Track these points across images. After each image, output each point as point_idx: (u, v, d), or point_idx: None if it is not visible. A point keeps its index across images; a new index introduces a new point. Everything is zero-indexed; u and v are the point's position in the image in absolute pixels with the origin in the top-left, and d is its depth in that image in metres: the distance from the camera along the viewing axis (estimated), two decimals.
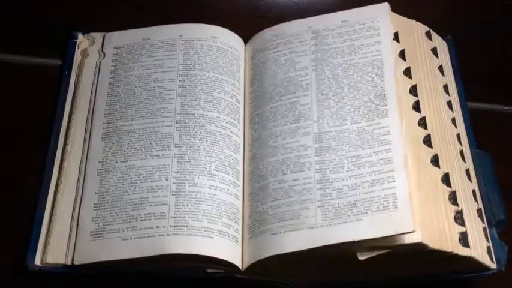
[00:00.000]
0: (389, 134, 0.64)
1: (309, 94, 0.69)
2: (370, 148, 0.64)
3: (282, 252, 0.61)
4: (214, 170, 0.66)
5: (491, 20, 0.85)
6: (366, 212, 0.60)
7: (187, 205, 0.64)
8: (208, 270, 0.65)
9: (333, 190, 0.63)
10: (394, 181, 0.61)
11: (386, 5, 0.72)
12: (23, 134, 0.72)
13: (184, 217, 0.63)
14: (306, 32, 0.73)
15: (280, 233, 0.62)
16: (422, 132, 0.66)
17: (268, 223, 0.63)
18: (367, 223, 0.60)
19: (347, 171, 0.63)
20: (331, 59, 0.70)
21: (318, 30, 0.73)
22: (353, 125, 0.66)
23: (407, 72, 0.69)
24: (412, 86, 0.68)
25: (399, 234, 0.58)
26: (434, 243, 0.59)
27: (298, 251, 0.61)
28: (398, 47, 0.70)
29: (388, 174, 0.62)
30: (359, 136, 0.65)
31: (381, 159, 0.63)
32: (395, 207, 0.60)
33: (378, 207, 0.60)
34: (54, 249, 0.64)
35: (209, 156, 0.67)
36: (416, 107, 0.67)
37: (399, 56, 0.69)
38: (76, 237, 0.64)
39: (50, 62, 0.76)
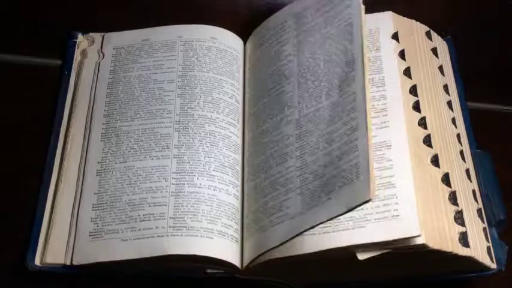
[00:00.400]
0: (355, 101, 0.60)
1: (292, 81, 0.68)
2: (340, 120, 0.61)
3: (267, 248, 0.61)
4: (214, 170, 0.66)
5: (491, 20, 0.85)
6: (334, 189, 0.58)
7: (186, 206, 0.64)
8: (208, 271, 0.65)
9: (310, 174, 0.61)
10: (357, 149, 0.57)
11: None
12: (23, 134, 0.72)
13: (184, 218, 0.63)
14: (289, 19, 0.72)
15: (268, 228, 0.62)
16: (422, 132, 0.66)
17: (260, 221, 0.63)
18: (335, 200, 0.57)
19: (321, 150, 0.61)
20: (310, 38, 0.69)
21: (299, 13, 0.71)
22: (327, 101, 0.63)
23: (407, 72, 0.68)
24: (412, 86, 0.68)
25: (359, 205, 0.55)
26: (434, 243, 0.59)
27: (282, 246, 0.60)
28: (398, 47, 0.70)
29: (352, 144, 0.58)
30: (332, 111, 0.62)
31: (348, 129, 0.59)
32: (357, 178, 0.56)
33: (343, 182, 0.57)
34: (53, 249, 0.64)
35: (208, 157, 0.67)
36: (416, 107, 0.67)
37: (399, 56, 0.69)
38: (75, 237, 0.64)
39: (50, 62, 0.76)
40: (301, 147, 0.64)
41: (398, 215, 0.60)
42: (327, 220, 0.57)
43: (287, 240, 0.60)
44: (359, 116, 0.59)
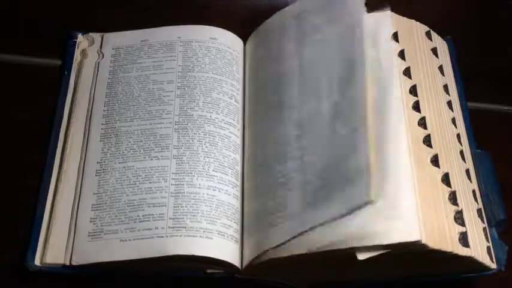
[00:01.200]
0: (355, 103, 0.61)
1: (293, 82, 0.68)
2: (342, 123, 0.62)
3: (266, 248, 0.61)
4: (213, 170, 0.66)
5: (491, 20, 0.85)
6: (334, 191, 0.58)
7: (185, 206, 0.64)
8: (208, 271, 0.65)
9: (312, 175, 0.61)
10: (358, 151, 0.58)
11: None
12: (23, 134, 0.72)
13: (183, 218, 0.63)
14: (290, 20, 0.72)
15: (269, 228, 0.62)
16: (422, 132, 0.65)
17: (260, 221, 0.63)
18: (336, 202, 0.58)
19: (323, 151, 0.62)
20: (309, 38, 0.69)
21: (299, 14, 0.71)
22: (328, 103, 0.64)
23: (407, 72, 0.68)
24: (411, 86, 0.68)
25: (357, 208, 0.56)
26: (434, 243, 0.59)
27: (282, 246, 0.60)
28: (398, 47, 0.70)
29: (353, 146, 0.59)
30: (333, 112, 0.63)
31: (349, 131, 0.60)
32: (359, 180, 0.57)
33: (342, 183, 0.58)
34: (53, 249, 0.64)
35: (208, 157, 0.67)
36: (416, 107, 0.67)
37: (399, 56, 0.69)
38: (74, 237, 0.64)
39: (50, 62, 0.76)
40: (302, 148, 0.64)
41: (398, 215, 0.60)
42: (328, 221, 0.57)
43: (287, 241, 0.60)
44: (359, 119, 0.60)
